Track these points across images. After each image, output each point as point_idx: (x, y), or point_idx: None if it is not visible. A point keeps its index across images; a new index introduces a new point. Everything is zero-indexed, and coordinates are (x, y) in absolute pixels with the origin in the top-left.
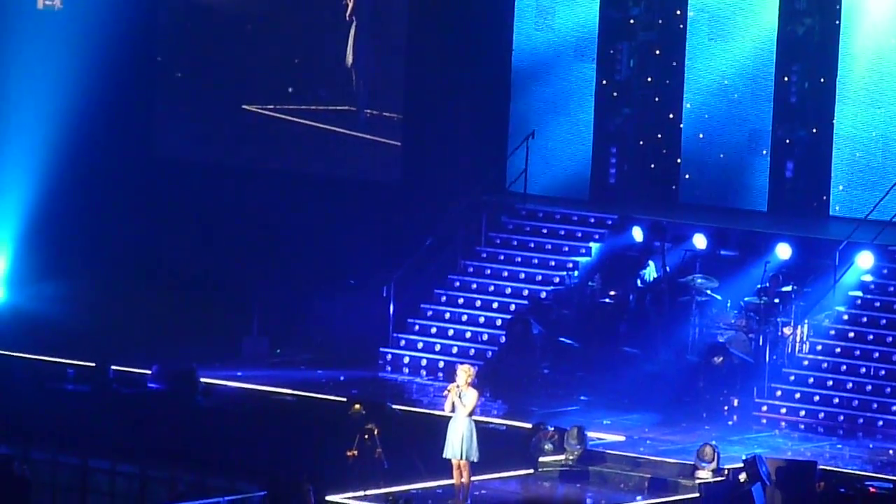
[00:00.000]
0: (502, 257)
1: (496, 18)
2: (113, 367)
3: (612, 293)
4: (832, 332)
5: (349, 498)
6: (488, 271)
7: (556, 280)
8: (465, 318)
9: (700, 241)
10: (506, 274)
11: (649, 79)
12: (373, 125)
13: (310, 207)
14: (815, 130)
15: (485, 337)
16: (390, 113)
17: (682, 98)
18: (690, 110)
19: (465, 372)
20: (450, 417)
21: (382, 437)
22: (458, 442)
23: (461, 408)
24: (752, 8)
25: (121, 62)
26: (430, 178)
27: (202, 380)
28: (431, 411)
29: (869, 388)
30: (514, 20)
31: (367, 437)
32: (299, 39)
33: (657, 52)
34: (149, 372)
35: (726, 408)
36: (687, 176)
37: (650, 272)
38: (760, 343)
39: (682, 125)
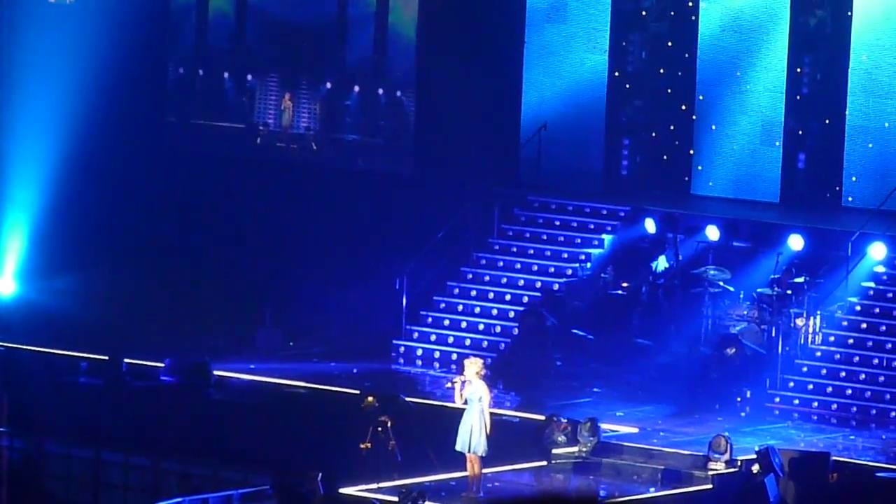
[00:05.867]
0: (515, 249)
1: (508, 10)
2: (126, 360)
3: (624, 285)
4: (845, 324)
5: (363, 490)
6: (501, 263)
7: (569, 272)
8: (477, 310)
9: (713, 233)
10: (518, 266)
11: (661, 70)
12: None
13: (323, 200)
14: (827, 121)
15: (497, 329)
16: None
17: (694, 89)
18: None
19: (471, 365)
20: (463, 409)
21: (395, 429)
22: (467, 435)
23: (474, 402)
24: None
25: (133, 55)
26: (443, 171)
27: (215, 372)
28: (444, 403)
29: (881, 378)
30: (526, 12)
31: (380, 429)
32: (308, 34)
33: (669, 43)
34: (161, 365)
35: (739, 399)
36: (699, 167)
37: (660, 264)
38: (773, 334)
39: (694, 116)
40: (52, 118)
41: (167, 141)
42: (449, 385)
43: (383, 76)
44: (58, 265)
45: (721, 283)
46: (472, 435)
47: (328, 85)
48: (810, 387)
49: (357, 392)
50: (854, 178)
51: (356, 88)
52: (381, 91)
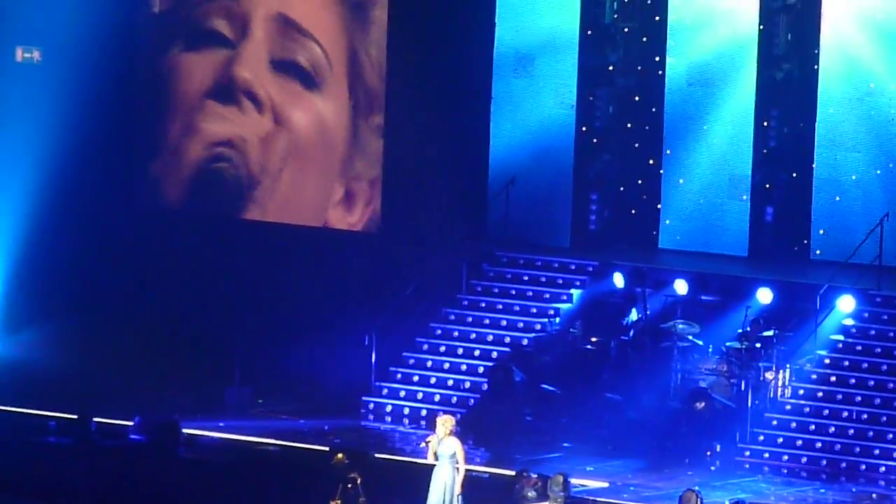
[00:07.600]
0: (484, 304)
1: (475, 65)
2: (95, 419)
3: (593, 339)
4: (814, 377)
5: None
6: (470, 319)
7: (538, 327)
8: (447, 365)
9: (681, 287)
10: (487, 321)
11: (629, 125)
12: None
13: (292, 256)
14: (794, 175)
15: (467, 384)
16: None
17: (661, 143)
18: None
19: (444, 423)
20: (433, 466)
21: (365, 486)
22: (441, 492)
23: (446, 458)
24: (730, 54)
25: (101, 113)
26: (411, 227)
27: (184, 431)
28: (414, 460)
29: (851, 431)
30: (494, 67)
31: (350, 486)
32: None
33: (636, 97)
34: (131, 423)
35: (709, 453)
36: (667, 221)
37: (630, 318)
38: (742, 388)
39: (662, 171)
40: (19, 175)
41: (134, 194)
42: (423, 445)
43: None
44: (25, 322)
45: (690, 337)
46: (446, 492)
47: None
48: (780, 440)
49: (327, 449)
50: (822, 232)
51: None
52: None
